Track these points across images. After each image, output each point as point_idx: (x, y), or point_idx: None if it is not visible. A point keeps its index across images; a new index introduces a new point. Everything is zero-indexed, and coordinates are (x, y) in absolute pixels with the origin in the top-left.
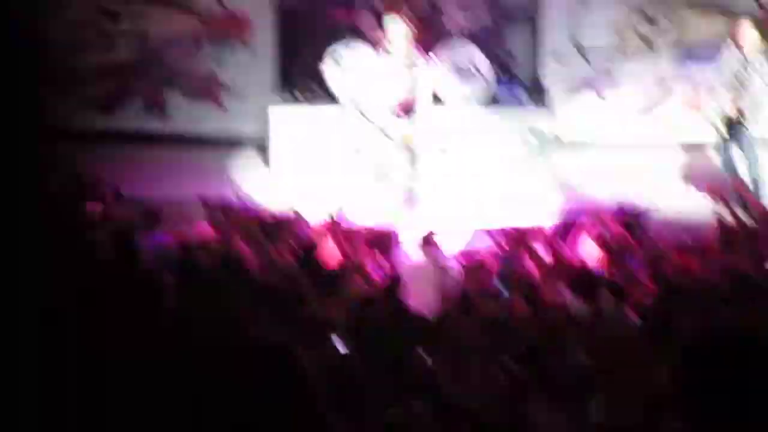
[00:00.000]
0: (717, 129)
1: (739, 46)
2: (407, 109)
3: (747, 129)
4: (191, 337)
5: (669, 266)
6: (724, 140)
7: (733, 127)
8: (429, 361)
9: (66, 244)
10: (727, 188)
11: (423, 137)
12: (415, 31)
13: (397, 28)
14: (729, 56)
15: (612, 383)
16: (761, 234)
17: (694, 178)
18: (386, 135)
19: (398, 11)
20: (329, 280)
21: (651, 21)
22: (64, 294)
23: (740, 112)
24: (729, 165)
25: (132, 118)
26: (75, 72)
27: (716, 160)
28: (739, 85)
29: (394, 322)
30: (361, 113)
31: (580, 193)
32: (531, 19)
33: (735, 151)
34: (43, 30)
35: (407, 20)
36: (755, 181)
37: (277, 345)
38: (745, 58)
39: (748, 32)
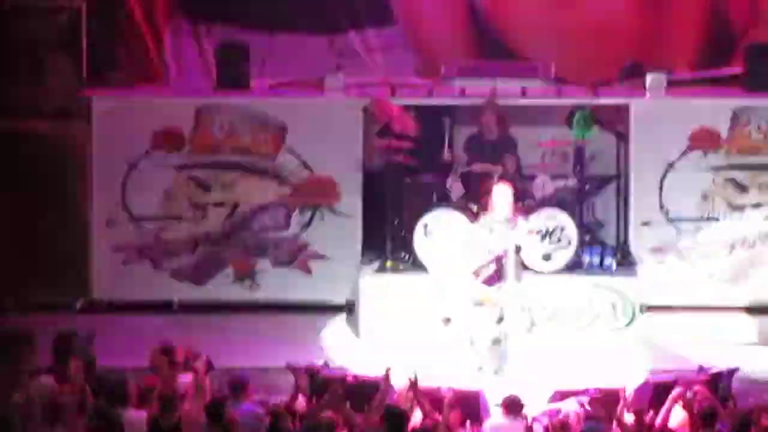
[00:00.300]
0: None
1: None
2: (497, 277)
3: None
4: None
5: (757, 430)
6: None
7: None
8: None
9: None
10: None
11: (512, 302)
12: (516, 198)
13: (503, 195)
14: None
15: None
16: None
17: None
18: (475, 303)
19: (502, 180)
20: None
21: (741, 188)
22: None
23: None
24: None
25: (222, 288)
26: (167, 243)
27: None
28: None
29: None
30: (450, 282)
31: (666, 356)
32: (619, 185)
33: None
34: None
35: (512, 188)
36: None
37: None
38: None
39: None
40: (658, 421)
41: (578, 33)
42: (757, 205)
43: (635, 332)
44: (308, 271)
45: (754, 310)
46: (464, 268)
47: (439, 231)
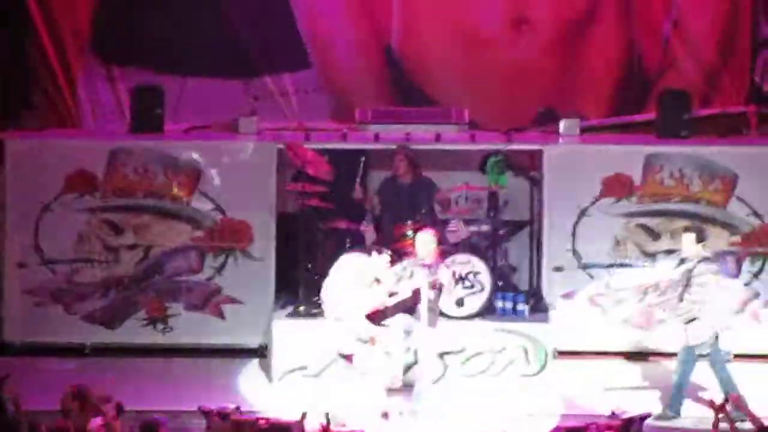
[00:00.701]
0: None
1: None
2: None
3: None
4: None
5: None
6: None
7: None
8: None
9: None
10: (725, 400)
11: (423, 346)
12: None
13: (425, 243)
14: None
15: None
16: None
17: (692, 388)
18: (362, 341)
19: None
20: None
21: (653, 234)
22: None
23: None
24: (726, 378)
25: (135, 331)
26: (79, 286)
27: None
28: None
29: None
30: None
31: (578, 402)
32: (532, 230)
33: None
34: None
35: (435, 235)
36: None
37: None
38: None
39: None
40: None
41: (492, 78)
42: (668, 252)
43: (547, 378)
44: (221, 315)
45: (665, 355)
46: (359, 308)
47: (344, 274)
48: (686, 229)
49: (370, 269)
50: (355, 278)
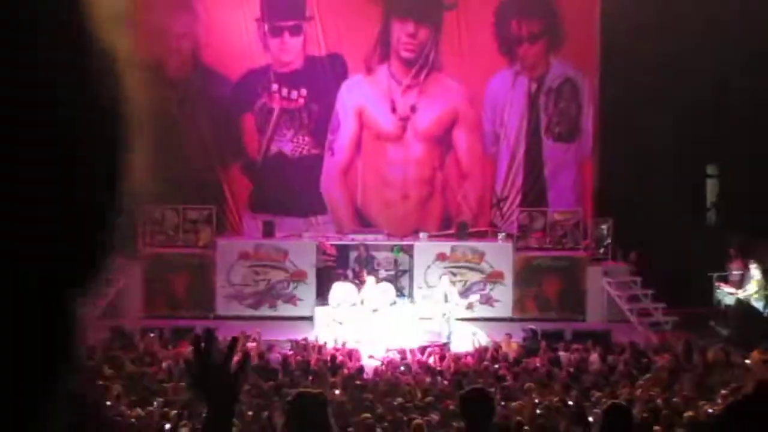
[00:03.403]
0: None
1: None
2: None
3: None
4: None
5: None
6: None
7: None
8: None
9: None
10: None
11: (367, 312)
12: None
13: (371, 281)
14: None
15: None
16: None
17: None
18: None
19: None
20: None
21: (456, 277)
22: None
23: None
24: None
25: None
26: (241, 293)
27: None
28: None
29: None
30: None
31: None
32: (410, 274)
33: None
34: None
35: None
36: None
37: None
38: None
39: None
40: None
41: (396, 217)
42: (464, 283)
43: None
44: (296, 304)
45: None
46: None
47: (337, 292)
48: (454, 274)
49: (347, 292)
50: (341, 295)
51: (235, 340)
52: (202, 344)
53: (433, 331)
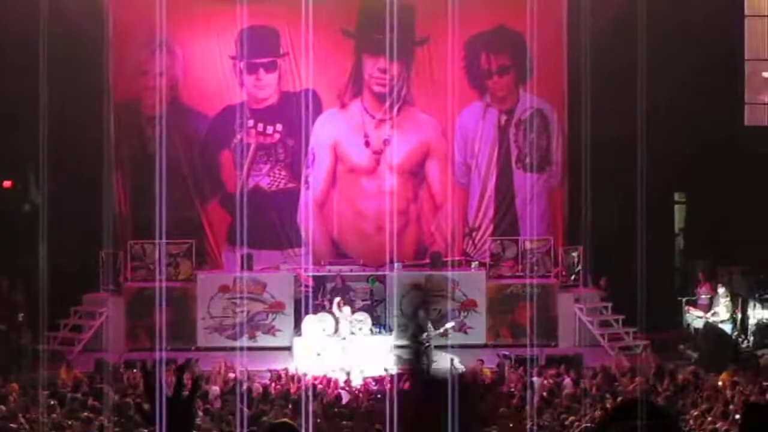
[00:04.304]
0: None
1: None
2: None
3: None
4: None
5: None
6: None
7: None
8: None
9: None
10: None
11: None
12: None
13: (347, 310)
14: None
15: None
16: None
17: None
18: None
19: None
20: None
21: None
22: None
23: None
24: None
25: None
26: (224, 326)
27: None
28: None
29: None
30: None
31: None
32: (385, 303)
33: None
34: None
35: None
36: None
37: None
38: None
39: None
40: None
41: (371, 247)
42: (438, 311)
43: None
44: (274, 334)
45: None
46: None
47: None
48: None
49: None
50: (312, 328)
51: (182, 367)
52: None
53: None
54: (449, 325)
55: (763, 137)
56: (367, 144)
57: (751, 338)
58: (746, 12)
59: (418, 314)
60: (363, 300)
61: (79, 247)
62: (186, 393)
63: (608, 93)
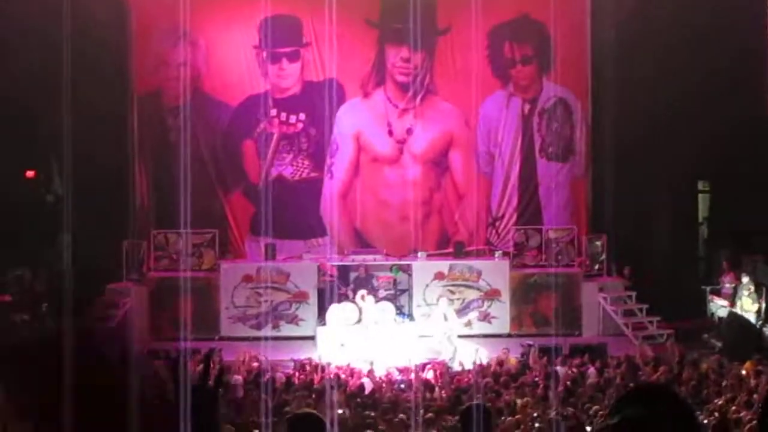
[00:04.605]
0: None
1: None
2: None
3: None
4: None
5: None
6: None
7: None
8: None
9: None
10: None
11: (368, 331)
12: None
13: (370, 300)
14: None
15: None
16: None
17: None
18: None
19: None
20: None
21: (455, 294)
22: None
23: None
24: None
25: (275, 331)
26: (247, 316)
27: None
28: None
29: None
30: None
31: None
32: (410, 293)
33: None
34: None
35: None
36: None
37: None
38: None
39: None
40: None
41: (394, 237)
42: (461, 301)
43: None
44: (298, 323)
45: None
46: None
47: (338, 312)
48: (452, 292)
49: (344, 312)
50: (337, 317)
51: (208, 355)
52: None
53: (433, 348)
54: (472, 315)
55: None
56: (390, 133)
57: None
58: None
59: None
60: (386, 289)
61: (102, 237)
62: (211, 383)
63: (631, 83)
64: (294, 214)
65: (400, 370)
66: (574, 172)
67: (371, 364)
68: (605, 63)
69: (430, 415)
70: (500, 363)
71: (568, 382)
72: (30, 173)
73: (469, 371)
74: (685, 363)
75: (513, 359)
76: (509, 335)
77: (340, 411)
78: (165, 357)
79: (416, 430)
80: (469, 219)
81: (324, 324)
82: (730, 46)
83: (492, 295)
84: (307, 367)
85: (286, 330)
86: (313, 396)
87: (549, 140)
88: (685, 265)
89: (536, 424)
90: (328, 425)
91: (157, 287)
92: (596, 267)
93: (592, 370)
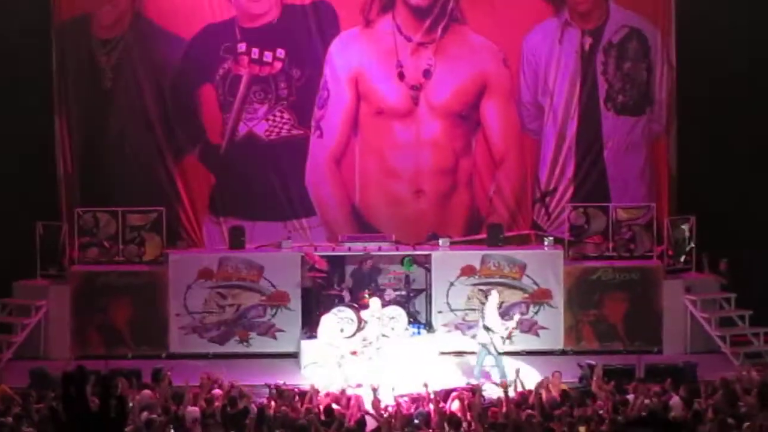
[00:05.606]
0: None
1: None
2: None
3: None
4: None
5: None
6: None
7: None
8: None
9: None
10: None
11: (373, 347)
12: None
13: (375, 303)
14: None
15: None
16: None
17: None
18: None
19: (374, 295)
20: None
21: (485, 293)
22: None
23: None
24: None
25: (232, 346)
26: (205, 324)
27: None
28: None
29: None
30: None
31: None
32: (427, 293)
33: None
34: None
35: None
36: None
37: None
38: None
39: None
40: (450, 407)
41: (406, 218)
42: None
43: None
44: (275, 337)
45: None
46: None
47: (331, 321)
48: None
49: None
50: (332, 325)
51: (107, 378)
52: (72, 387)
53: (464, 368)
54: (512, 322)
55: None
56: (400, 76)
57: None
58: None
59: None
60: (395, 289)
61: (8, 217)
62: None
63: (731, 6)
64: (269, 187)
65: (414, 400)
66: (652, 128)
67: (375, 391)
68: None
69: None
70: (550, 389)
71: (644, 415)
72: None
73: (507, 400)
74: None
75: (564, 386)
76: (563, 352)
77: None
78: (94, 383)
79: None
80: (508, 193)
81: (311, 337)
82: None
83: (540, 297)
84: (288, 395)
85: (259, 345)
86: None
87: (618, 86)
88: None
89: None
90: None
91: (82, 286)
92: (682, 259)
93: (676, 399)
